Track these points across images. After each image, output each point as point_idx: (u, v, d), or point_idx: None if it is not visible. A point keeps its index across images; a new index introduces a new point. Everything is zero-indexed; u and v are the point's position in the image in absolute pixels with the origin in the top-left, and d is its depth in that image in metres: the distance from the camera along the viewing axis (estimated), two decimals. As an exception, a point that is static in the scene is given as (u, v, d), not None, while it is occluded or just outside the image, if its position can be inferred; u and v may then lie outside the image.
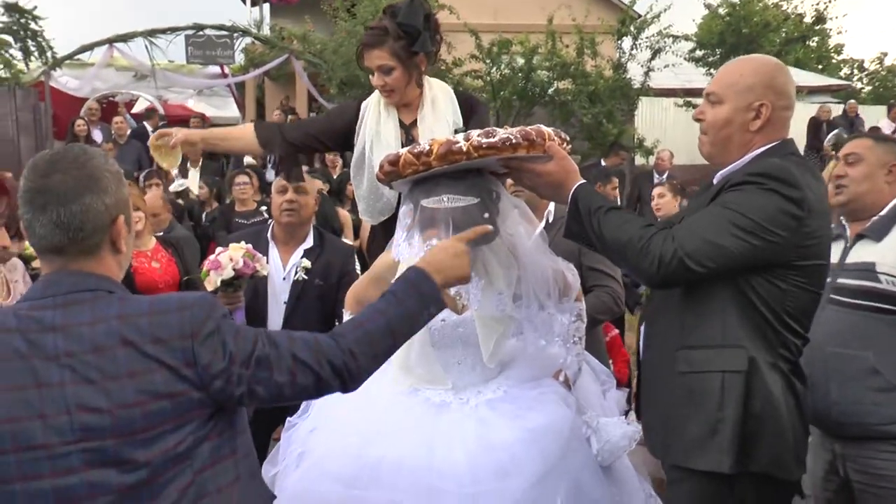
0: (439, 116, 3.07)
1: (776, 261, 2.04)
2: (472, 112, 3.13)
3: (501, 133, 2.18)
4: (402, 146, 2.89)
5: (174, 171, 3.28)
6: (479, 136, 2.17)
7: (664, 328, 2.25)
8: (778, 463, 2.09)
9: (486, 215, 2.32)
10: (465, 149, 2.16)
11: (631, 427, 2.42)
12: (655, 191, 5.69)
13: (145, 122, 11.89)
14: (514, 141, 2.16)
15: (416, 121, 3.09)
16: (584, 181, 2.24)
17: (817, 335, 2.51)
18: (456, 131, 2.70)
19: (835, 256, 2.67)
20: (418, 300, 1.76)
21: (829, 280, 2.60)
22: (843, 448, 2.67)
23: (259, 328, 1.64)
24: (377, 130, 3.05)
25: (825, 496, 2.78)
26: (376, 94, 3.10)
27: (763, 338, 2.08)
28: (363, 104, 3.15)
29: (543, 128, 2.25)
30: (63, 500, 1.42)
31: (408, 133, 3.08)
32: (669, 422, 2.17)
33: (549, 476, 2.26)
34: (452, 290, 2.33)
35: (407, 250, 2.37)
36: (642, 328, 2.44)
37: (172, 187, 8.24)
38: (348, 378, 1.64)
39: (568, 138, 2.33)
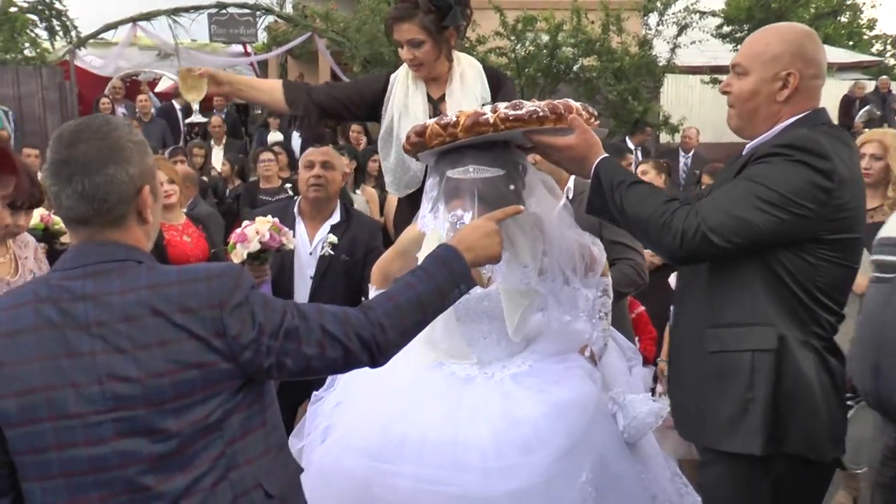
0: (468, 91, 3.04)
1: (805, 235, 1.97)
2: (499, 87, 3.10)
3: (529, 105, 2.17)
4: None
5: (195, 106, 3.39)
6: (506, 108, 2.17)
7: (692, 306, 2.20)
8: (811, 444, 2.03)
9: (512, 187, 2.31)
10: (491, 121, 2.16)
11: (657, 404, 2.41)
12: (639, 168, 5.53)
13: (174, 101, 11.93)
14: (541, 114, 2.15)
15: (444, 95, 3.06)
16: (607, 155, 2.20)
17: (888, 318, 2.41)
18: (483, 105, 2.67)
19: None
20: (448, 277, 1.75)
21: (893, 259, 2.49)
22: None
23: (288, 300, 1.63)
24: (405, 104, 3.02)
25: (882, 481, 2.68)
26: (405, 67, 3.07)
27: (793, 315, 2.01)
28: (392, 76, 3.12)
29: (571, 102, 2.24)
30: (97, 469, 1.44)
31: (436, 107, 3.05)
32: (699, 403, 2.13)
33: (575, 451, 2.25)
34: None
35: (432, 221, 2.38)
36: (671, 308, 2.41)
37: (189, 119, 8.43)
38: (377, 352, 1.63)
39: (596, 113, 2.31)
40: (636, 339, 3.77)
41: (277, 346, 1.52)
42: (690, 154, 10.31)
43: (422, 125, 2.28)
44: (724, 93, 2.20)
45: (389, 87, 3.09)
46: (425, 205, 2.42)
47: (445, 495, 2.18)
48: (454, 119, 2.20)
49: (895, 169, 3.71)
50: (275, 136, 10.64)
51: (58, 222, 3.26)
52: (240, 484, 1.54)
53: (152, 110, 11.46)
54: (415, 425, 2.29)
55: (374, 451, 2.28)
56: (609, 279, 2.63)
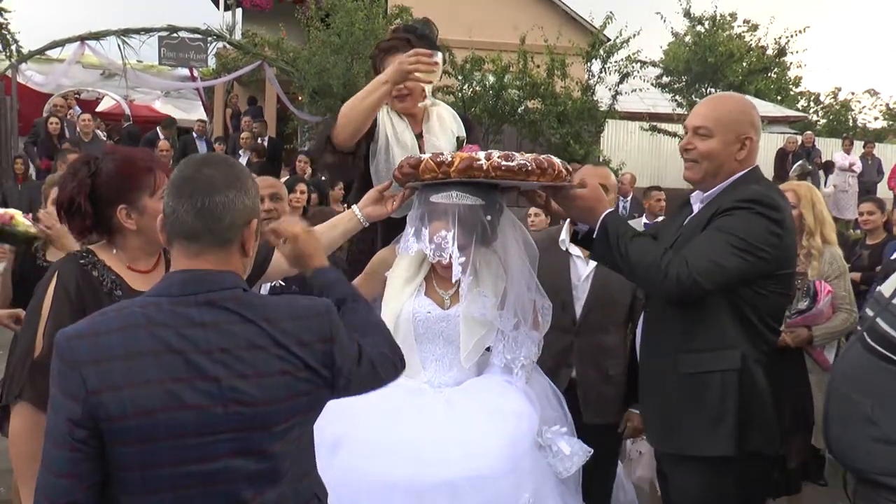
0: (445, 129, 3.15)
1: (763, 273, 2.39)
2: (469, 130, 3.24)
3: (519, 158, 2.39)
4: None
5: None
6: (498, 157, 2.38)
7: (663, 335, 2.55)
8: (766, 441, 2.47)
9: (489, 218, 2.51)
10: (485, 167, 2.36)
11: (584, 445, 2.55)
12: (531, 210, 6.19)
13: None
14: (528, 168, 2.37)
15: (421, 133, 3.14)
16: (613, 209, 2.56)
17: (837, 369, 2.48)
18: (458, 139, 2.87)
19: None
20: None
21: (870, 313, 2.40)
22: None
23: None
24: (396, 136, 3.07)
25: None
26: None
27: (751, 338, 2.44)
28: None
29: (554, 159, 2.46)
30: (205, 483, 1.51)
31: (417, 142, 3.11)
32: (674, 417, 2.49)
33: (517, 459, 2.35)
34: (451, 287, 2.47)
35: (415, 244, 2.54)
36: (638, 333, 2.69)
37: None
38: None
39: (570, 169, 2.51)
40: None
41: (357, 372, 1.69)
42: (629, 199, 10.63)
43: (416, 159, 2.45)
44: (686, 150, 2.55)
45: (378, 123, 3.07)
46: (408, 229, 2.57)
47: (374, 483, 2.25)
48: (449, 159, 2.39)
49: (808, 218, 3.89)
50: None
51: (19, 223, 3.31)
52: (302, 495, 1.66)
53: (95, 131, 11.33)
54: (352, 426, 2.34)
55: None
56: (541, 334, 2.73)
